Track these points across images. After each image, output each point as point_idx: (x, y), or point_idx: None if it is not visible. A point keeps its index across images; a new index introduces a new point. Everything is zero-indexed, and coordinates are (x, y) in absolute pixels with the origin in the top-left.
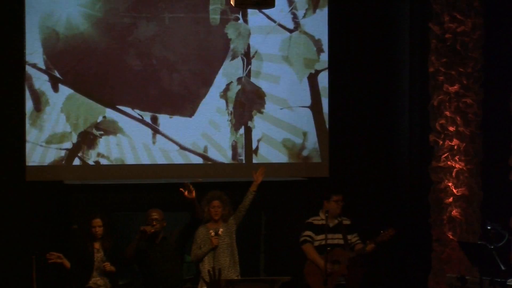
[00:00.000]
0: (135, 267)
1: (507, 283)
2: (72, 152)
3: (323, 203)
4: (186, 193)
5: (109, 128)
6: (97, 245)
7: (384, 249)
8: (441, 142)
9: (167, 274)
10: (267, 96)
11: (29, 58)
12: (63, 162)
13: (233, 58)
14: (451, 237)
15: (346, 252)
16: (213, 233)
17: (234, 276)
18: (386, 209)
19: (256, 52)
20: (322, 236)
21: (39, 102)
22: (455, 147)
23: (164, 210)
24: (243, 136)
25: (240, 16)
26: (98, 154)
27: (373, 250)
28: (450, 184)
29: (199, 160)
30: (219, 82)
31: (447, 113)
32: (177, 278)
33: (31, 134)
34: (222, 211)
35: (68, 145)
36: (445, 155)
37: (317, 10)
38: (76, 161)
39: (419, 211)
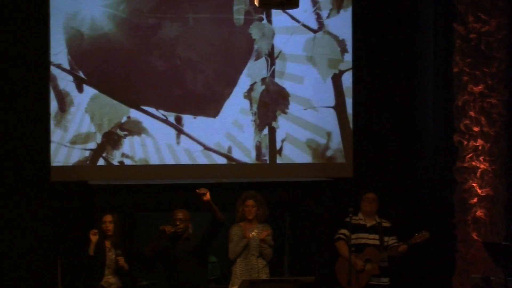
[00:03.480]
0: (159, 267)
1: None
2: (96, 153)
3: (360, 203)
4: (201, 197)
5: (133, 129)
6: (108, 244)
7: (410, 250)
8: (465, 143)
9: (190, 275)
10: (291, 96)
11: (53, 58)
12: (88, 163)
13: (257, 58)
14: (475, 237)
15: (379, 252)
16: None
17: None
18: (410, 209)
19: (280, 52)
20: (357, 235)
21: (64, 102)
22: (480, 147)
23: (188, 210)
24: (267, 136)
25: (264, 16)
26: (123, 155)
27: (405, 252)
28: (474, 184)
29: (223, 161)
30: (243, 82)
31: (472, 113)
32: (201, 279)
33: (56, 135)
34: (256, 211)
35: (92, 145)
36: (470, 155)
37: (341, 11)
38: (101, 162)
39: (444, 211)
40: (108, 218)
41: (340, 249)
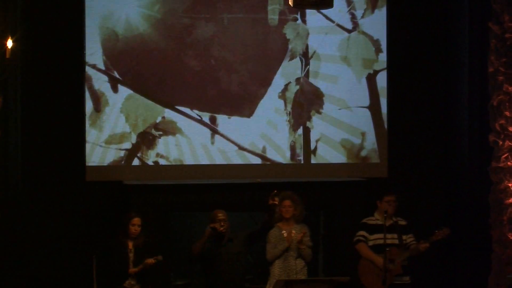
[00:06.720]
0: (197, 266)
1: None
2: (131, 153)
3: (377, 203)
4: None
5: (168, 129)
6: (130, 245)
7: (444, 249)
8: (501, 143)
9: (230, 275)
10: (325, 96)
11: (89, 59)
12: (123, 162)
13: (292, 58)
14: (511, 238)
15: (400, 251)
16: (286, 234)
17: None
18: (445, 209)
19: (314, 52)
20: (375, 236)
21: (99, 102)
22: None
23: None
24: (302, 136)
25: (298, 16)
26: (157, 155)
27: (427, 250)
28: (510, 184)
29: (257, 161)
30: (278, 82)
31: (507, 113)
32: (240, 280)
33: (91, 135)
34: (294, 211)
35: (127, 145)
36: (505, 155)
37: (376, 10)
38: (135, 162)
39: (479, 211)
40: (137, 221)
41: (362, 251)
